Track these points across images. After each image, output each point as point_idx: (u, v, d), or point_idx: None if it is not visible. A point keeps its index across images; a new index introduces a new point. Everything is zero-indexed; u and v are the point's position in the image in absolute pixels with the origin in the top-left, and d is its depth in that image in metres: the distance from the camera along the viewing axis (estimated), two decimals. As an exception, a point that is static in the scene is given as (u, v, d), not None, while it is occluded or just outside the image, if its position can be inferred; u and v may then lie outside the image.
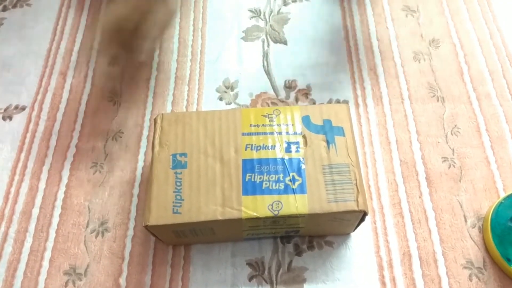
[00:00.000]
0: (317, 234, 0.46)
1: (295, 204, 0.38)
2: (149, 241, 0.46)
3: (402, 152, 0.50)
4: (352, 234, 0.46)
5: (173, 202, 0.39)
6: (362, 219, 0.40)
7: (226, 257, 0.45)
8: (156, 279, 0.44)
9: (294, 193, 0.39)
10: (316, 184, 0.39)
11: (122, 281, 0.44)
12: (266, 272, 0.44)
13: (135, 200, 0.48)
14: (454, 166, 0.50)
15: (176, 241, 0.45)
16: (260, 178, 0.39)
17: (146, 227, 0.38)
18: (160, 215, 0.38)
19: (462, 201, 0.48)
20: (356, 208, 0.38)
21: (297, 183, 0.39)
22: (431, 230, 0.46)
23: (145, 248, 0.45)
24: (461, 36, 0.59)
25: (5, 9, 0.63)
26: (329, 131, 0.42)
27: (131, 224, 0.47)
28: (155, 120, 0.44)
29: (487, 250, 0.45)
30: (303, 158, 0.41)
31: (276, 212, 0.38)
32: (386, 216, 0.47)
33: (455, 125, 0.52)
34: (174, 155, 0.41)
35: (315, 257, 0.45)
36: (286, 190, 0.39)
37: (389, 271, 0.44)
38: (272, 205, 0.38)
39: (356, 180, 0.39)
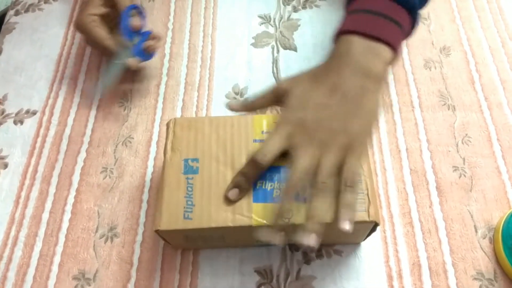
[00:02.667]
0: (327, 242, 0.45)
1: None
2: (158, 247, 0.46)
3: (412, 160, 0.50)
4: (362, 243, 0.46)
5: (184, 208, 0.39)
6: (373, 229, 0.40)
7: (234, 264, 0.45)
8: (165, 285, 0.44)
9: (304, 202, 0.39)
10: None
11: (131, 286, 0.44)
12: (274, 280, 0.44)
13: (144, 205, 0.48)
14: (465, 176, 0.49)
15: (186, 245, 0.45)
16: (271, 185, 0.39)
17: (157, 231, 0.38)
18: (171, 220, 0.38)
19: (473, 211, 0.47)
20: (367, 219, 0.38)
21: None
22: (441, 240, 0.46)
23: (153, 254, 0.46)
24: (473, 44, 0.59)
25: (17, 13, 0.64)
26: None
27: (140, 230, 0.47)
28: (167, 125, 0.44)
29: (498, 261, 0.44)
30: None
31: (286, 220, 0.38)
32: (396, 225, 0.47)
33: (466, 134, 0.52)
34: (186, 160, 0.41)
35: (323, 265, 0.45)
36: (297, 198, 0.39)
37: (398, 281, 0.44)
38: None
39: (367, 190, 0.39)
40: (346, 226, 0.36)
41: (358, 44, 0.42)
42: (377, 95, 0.41)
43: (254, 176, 0.39)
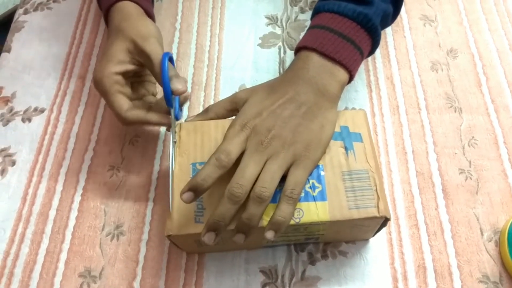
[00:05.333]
0: (337, 240, 0.46)
1: (316, 212, 0.38)
2: (164, 245, 0.46)
3: (418, 163, 0.50)
4: (367, 244, 0.46)
5: (195, 212, 0.39)
6: (384, 225, 0.41)
7: (240, 264, 0.45)
8: (170, 284, 0.44)
9: (314, 201, 0.39)
10: (336, 191, 0.39)
11: (136, 285, 0.44)
12: (279, 280, 0.44)
13: (150, 204, 0.48)
14: (471, 179, 0.49)
15: (197, 249, 0.45)
16: (280, 186, 0.39)
17: (169, 237, 0.39)
18: (182, 224, 0.38)
19: (479, 214, 0.47)
20: (377, 214, 0.38)
21: (317, 190, 0.39)
22: (447, 243, 0.46)
23: (159, 253, 0.46)
24: (480, 46, 0.59)
25: (26, 12, 0.64)
26: (346, 137, 0.42)
27: (146, 228, 0.47)
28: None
29: (503, 264, 0.44)
30: (322, 165, 0.41)
31: (297, 220, 0.38)
32: (402, 227, 0.47)
33: (473, 137, 0.52)
34: (193, 164, 0.41)
35: (328, 266, 0.45)
36: (307, 197, 0.39)
37: (403, 283, 0.44)
38: None
39: (376, 186, 0.39)
40: (268, 235, 0.37)
41: (316, 62, 0.43)
42: (330, 113, 0.42)
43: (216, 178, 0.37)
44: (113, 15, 0.48)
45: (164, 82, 0.42)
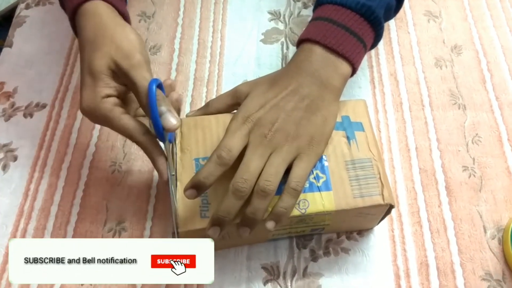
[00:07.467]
0: (342, 230, 0.46)
1: (321, 202, 0.39)
2: (165, 241, 0.46)
3: (421, 160, 0.50)
4: (369, 241, 0.45)
5: (200, 207, 0.39)
6: (388, 212, 0.41)
7: (242, 261, 0.45)
8: (172, 280, 0.44)
9: (319, 191, 0.39)
10: (340, 181, 0.39)
11: (138, 281, 0.44)
12: (281, 277, 0.44)
13: (152, 200, 0.48)
14: (474, 176, 0.49)
15: None
16: (284, 177, 0.39)
17: (177, 233, 0.38)
18: (189, 220, 0.38)
19: (482, 211, 0.47)
20: (382, 202, 0.38)
21: (321, 181, 0.39)
22: (450, 240, 0.45)
23: (161, 249, 0.46)
24: (484, 43, 0.58)
25: (28, 7, 0.64)
26: (348, 127, 0.42)
27: (148, 225, 0.47)
28: None
29: (506, 262, 0.44)
30: (325, 155, 0.41)
31: (303, 211, 0.38)
32: (404, 224, 0.46)
33: (476, 134, 0.51)
34: (196, 160, 0.41)
35: (330, 263, 0.45)
36: (311, 188, 0.39)
37: (405, 280, 0.44)
38: (298, 203, 0.39)
39: (379, 174, 0.40)
40: (269, 225, 0.37)
41: (319, 54, 0.42)
42: (333, 106, 0.42)
43: (218, 176, 0.37)
44: (83, 20, 0.42)
45: (153, 119, 0.37)
